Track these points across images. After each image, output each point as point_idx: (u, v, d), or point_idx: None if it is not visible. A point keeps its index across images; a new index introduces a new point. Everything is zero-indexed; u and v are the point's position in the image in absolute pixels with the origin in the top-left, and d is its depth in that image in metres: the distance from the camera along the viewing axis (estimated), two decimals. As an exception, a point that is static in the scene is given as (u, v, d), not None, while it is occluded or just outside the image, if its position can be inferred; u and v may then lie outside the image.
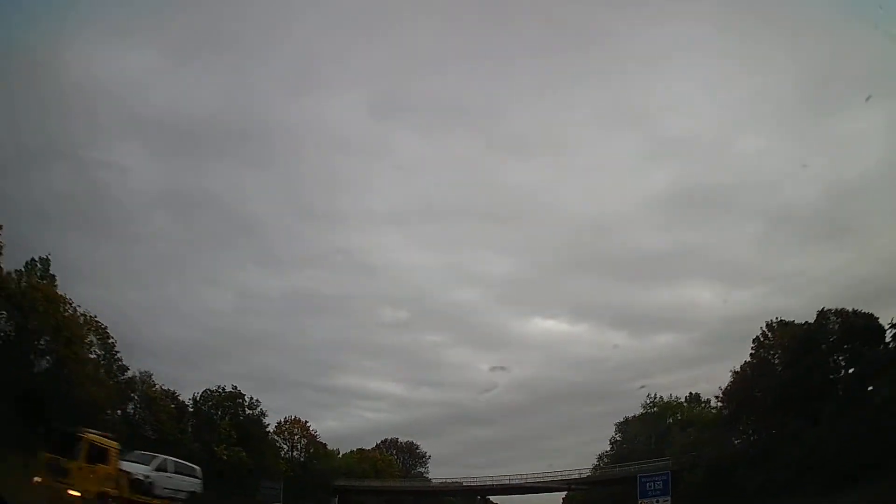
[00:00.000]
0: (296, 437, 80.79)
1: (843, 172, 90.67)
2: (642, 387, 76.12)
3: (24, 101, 76.57)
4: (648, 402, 76.05)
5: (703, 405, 75.21)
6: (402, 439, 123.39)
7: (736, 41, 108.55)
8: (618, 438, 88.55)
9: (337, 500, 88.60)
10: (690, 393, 76.92)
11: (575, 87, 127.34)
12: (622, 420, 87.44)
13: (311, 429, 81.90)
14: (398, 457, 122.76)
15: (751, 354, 53.81)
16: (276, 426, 79.93)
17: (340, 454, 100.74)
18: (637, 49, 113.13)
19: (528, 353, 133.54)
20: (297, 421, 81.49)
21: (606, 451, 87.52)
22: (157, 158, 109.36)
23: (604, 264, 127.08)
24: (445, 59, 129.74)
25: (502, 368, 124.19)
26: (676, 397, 76.08)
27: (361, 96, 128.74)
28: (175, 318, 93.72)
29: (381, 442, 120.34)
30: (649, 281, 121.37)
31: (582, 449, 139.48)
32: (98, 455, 21.95)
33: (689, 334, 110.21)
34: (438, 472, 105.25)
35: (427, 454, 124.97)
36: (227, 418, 61.79)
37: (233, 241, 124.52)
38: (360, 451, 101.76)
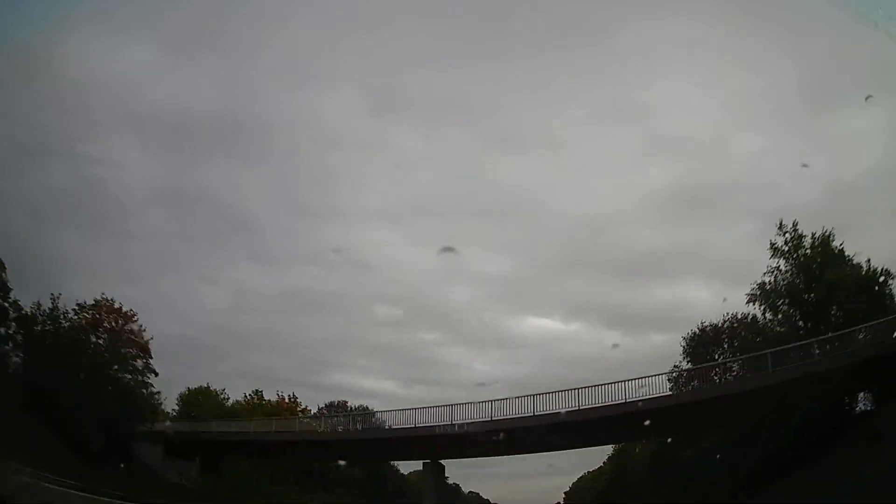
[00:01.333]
0: (101, 330, 43.34)
1: (842, 172, 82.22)
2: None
3: (19, 97, 72.81)
4: (784, 238, 39.04)
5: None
6: (353, 402, 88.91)
7: (735, 39, 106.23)
8: (684, 366, 50.92)
9: (198, 461, 51.73)
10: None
11: (573, 83, 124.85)
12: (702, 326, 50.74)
13: (136, 324, 44.83)
14: (343, 420, 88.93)
15: None
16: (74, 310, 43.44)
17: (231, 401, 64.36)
18: (635, 46, 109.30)
19: (522, 352, 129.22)
20: (109, 306, 44.78)
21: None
22: (153, 155, 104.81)
23: (600, 262, 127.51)
24: (443, 55, 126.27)
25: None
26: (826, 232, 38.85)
27: (358, 92, 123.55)
28: (170, 316, 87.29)
29: (325, 406, 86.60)
30: (646, 279, 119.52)
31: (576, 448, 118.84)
32: None
33: (685, 334, 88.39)
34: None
35: (386, 423, 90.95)
36: None
37: (229, 238, 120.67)
38: (257, 394, 65.28)
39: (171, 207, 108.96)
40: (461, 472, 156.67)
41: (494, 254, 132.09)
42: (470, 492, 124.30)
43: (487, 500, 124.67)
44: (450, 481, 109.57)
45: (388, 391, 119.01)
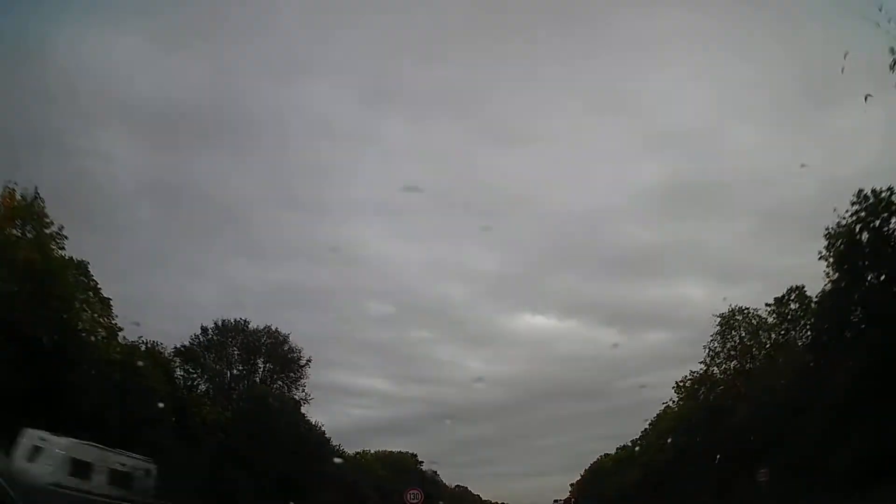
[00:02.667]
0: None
1: (839, 169, 74.92)
2: (643, 386, 52.60)
3: (7, 88, 61.91)
4: None
5: None
6: (260, 324, 57.76)
7: (732, 32, 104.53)
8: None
9: None
10: None
11: (567, 76, 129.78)
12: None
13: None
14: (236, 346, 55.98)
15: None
16: None
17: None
18: (632, 37, 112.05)
19: (515, 350, 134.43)
20: None
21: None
22: (143, 148, 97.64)
23: (594, 259, 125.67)
24: (435, 46, 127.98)
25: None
26: None
27: (349, 85, 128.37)
28: (159, 311, 72.74)
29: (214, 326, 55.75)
30: (640, 277, 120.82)
31: (572, 448, 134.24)
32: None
33: (681, 332, 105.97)
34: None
35: (306, 357, 59.64)
36: None
37: (218, 231, 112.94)
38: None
39: (159, 200, 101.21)
40: (459, 472, 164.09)
41: (488, 250, 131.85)
42: (457, 486, 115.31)
43: (478, 495, 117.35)
44: (423, 466, 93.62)
45: (380, 389, 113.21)
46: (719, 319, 45.03)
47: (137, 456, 25.95)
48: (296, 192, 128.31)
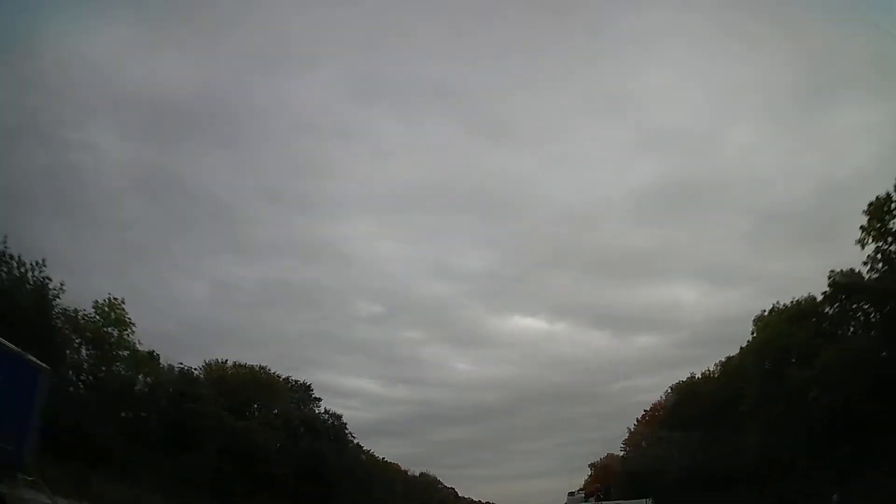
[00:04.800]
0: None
1: (835, 170, 77.35)
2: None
3: None
4: None
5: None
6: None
7: (729, 31, 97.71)
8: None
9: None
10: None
11: (561, 74, 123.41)
12: None
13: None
14: None
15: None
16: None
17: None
18: (627, 36, 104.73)
19: (505, 352, 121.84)
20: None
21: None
22: (132, 141, 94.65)
23: (586, 260, 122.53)
24: (427, 41, 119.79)
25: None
26: None
27: (339, 78, 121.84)
28: (147, 309, 68.57)
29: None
30: (633, 279, 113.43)
31: (561, 451, 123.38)
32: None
33: (673, 335, 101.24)
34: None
35: None
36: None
37: (207, 228, 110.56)
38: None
39: (149, 195, 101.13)
40: (457, 472, 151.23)
41: (479, 249, 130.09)
42: (422, 473, 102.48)
43: (452, 488, 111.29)
44: (348, 437, 71.87)
45: (368, 390, 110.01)
46: None
47: None
48: (287, 189, 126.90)
